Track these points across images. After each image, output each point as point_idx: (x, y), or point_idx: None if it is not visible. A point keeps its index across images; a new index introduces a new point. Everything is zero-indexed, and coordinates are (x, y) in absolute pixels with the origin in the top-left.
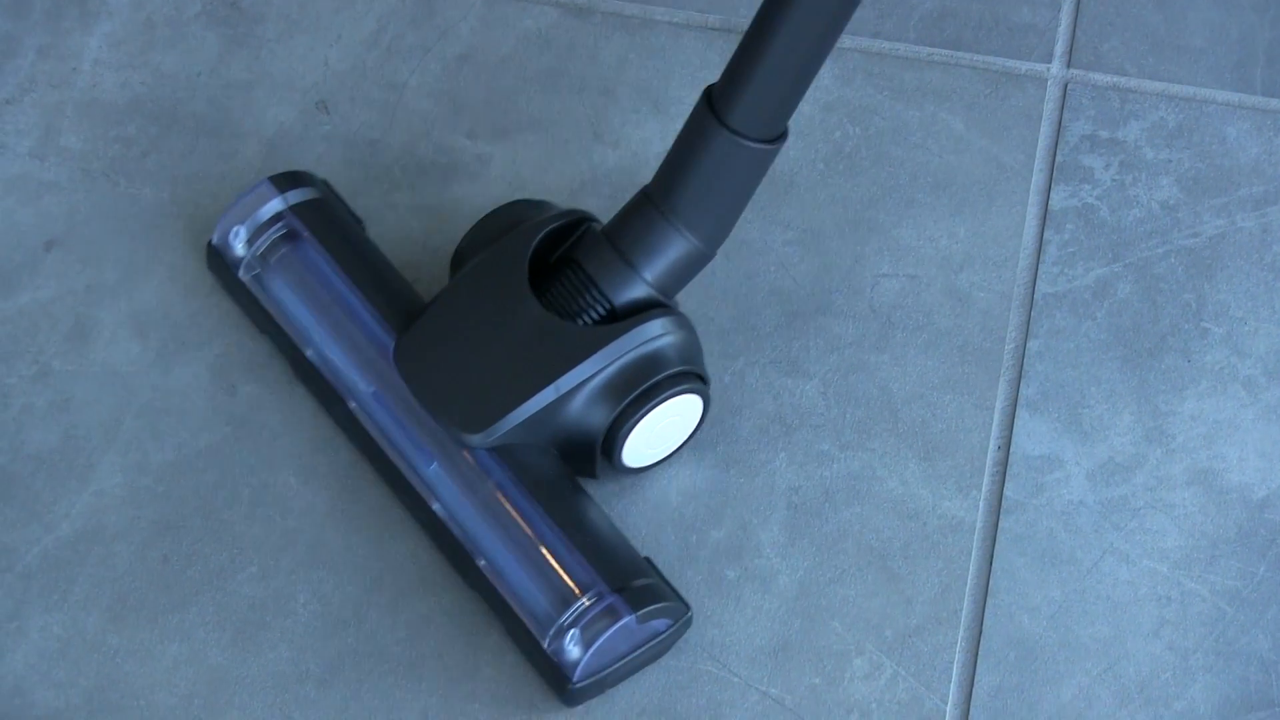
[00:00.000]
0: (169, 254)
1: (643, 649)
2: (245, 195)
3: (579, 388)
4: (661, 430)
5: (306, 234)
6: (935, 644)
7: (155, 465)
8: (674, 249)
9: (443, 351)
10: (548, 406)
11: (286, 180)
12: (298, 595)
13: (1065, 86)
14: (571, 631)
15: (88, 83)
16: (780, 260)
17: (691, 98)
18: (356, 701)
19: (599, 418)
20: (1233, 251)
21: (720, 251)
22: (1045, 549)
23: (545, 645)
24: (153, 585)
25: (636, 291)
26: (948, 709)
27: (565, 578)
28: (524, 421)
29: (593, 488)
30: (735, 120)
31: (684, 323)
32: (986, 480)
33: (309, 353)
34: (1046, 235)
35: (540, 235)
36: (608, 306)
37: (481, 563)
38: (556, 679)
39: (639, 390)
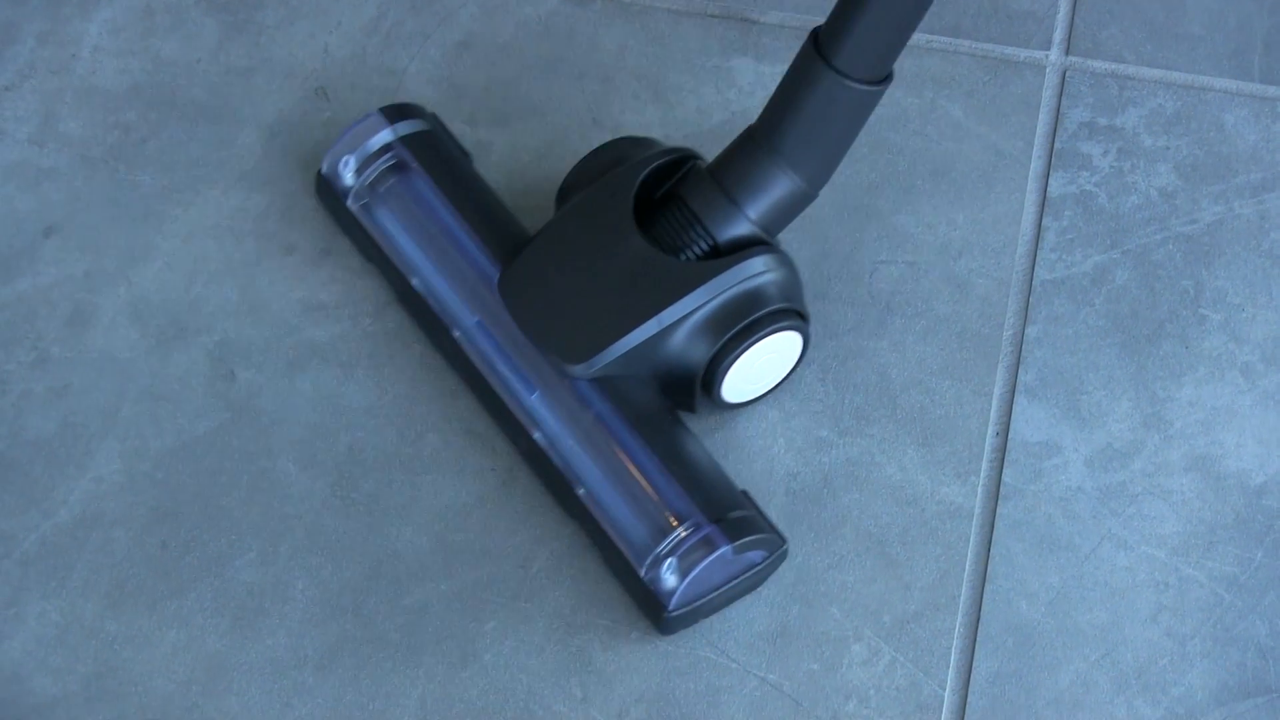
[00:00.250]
0: (168, 240)
1: (738, 580)
2: (355, 126)
3: (681, 322)
4: (761, 366)
5: (415, 165)
6: (933, 630)
7: (154, 452)
8: (778, 188)
9: (547, 283)
10: (650, 339)
11: (396, 112)
12: (296, 582)
13: (1064, 73)
14: (668, 560)
15: (87, 69)
16: None
17: (691, 85)
18: (354, 688)
19: (700, 352)
20: (1230, 238)
21: None
22: (1043, 535)
23: (642, 574)
24: (151, 571)
25: (739, 229)
26: (946, 695)
27: (663, 508)
28: (626, 354)
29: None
30: (841, 61)
31: (786, 260)
32: (985, 466)
33: (414, 282)
34: (1045, 222)
35: (646, 171)
36: (711, 243)
37: (580, 491)
38: (652, 607)
39: (740, 326)
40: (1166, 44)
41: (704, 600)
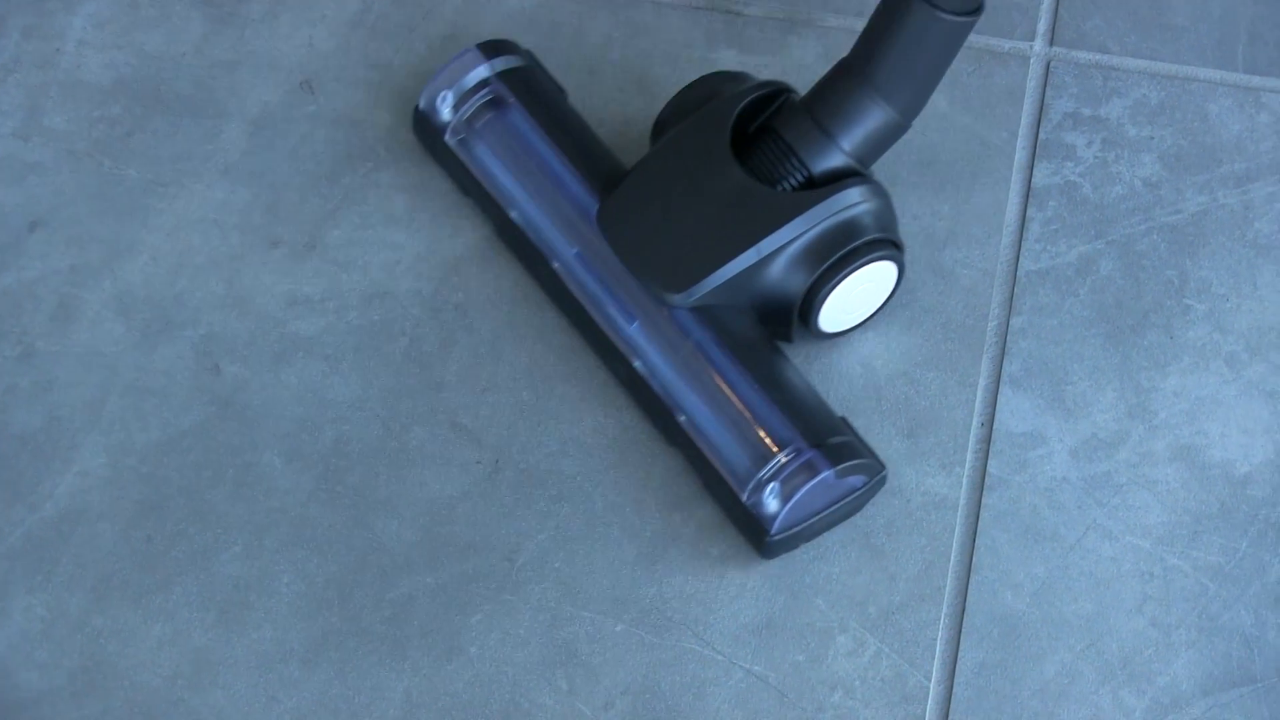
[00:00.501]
0: (153, 234)
1: (837, 505)
2: (452, 62)
3: (779, 251)
4: (857, 296)
5: (511, 100)
6: (919, 621)
7: (139, 446)
8: (871, 119)
9: (645, 214)
10: (748, 269)
11: (492, 48)
12: (281, 575)
13: (1048, 64)
14: (771, 485)
15: (72, 63)
16: None
17: (676, 76)
18: (340, 681)
19: (797, 282)
20: (1215, 228)
21: None
22: (1028, 525)
23: (744, 499)
24: (136, 565)
25: (834, 160)
26: (931, 685)
27: (764, 434)
28: (725, 283)
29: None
30: None
31: (880, 191)
32: (970, 457)
33: (513, 215)
34: (1029, 212)
35: (742, 104)
36: (806, 175)
37: (681, 419)
38: (754, 532)
39: (837, 256)
40: (1151, 34)
41: (805, 525)
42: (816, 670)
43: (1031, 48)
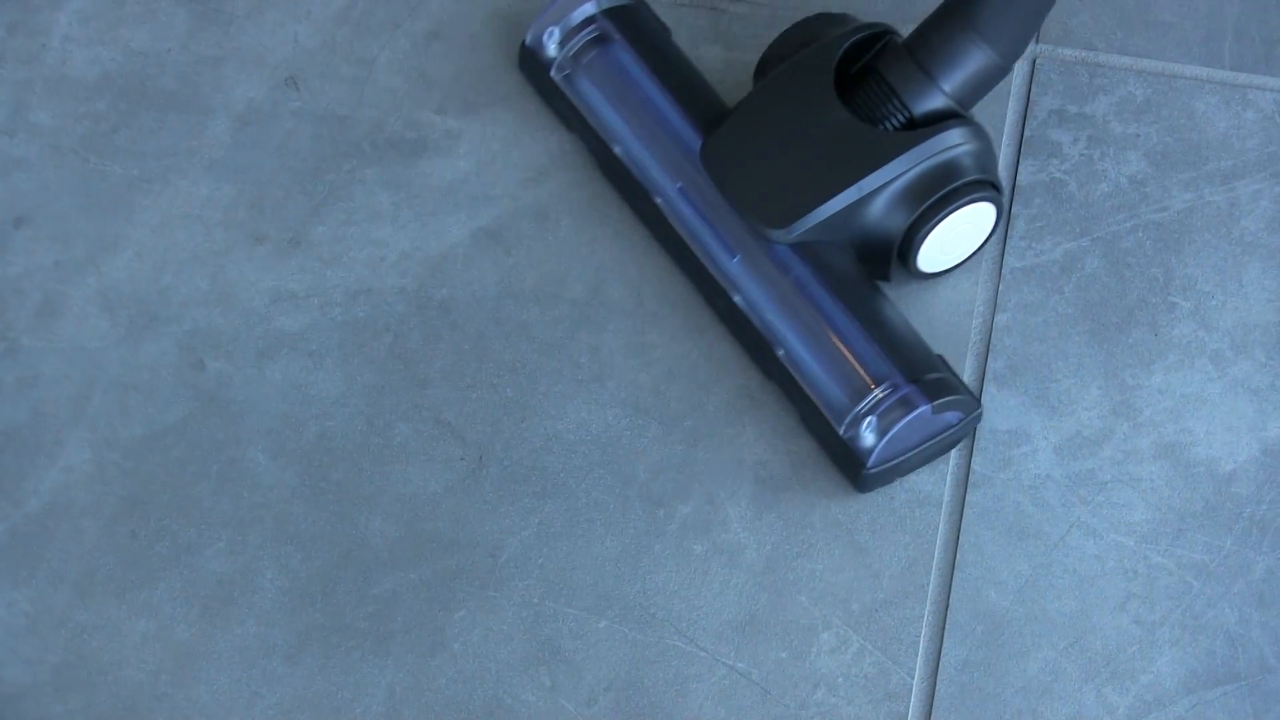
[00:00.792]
0: (138, 230)
1: (932, 441)
2: None
3: (880, 190)
4: (955, 237)
5: (617, 37)
6: (902, 618)
7: (123, 441)
8: (972, 61)
9: (748, 151)
10: (849, 207)
11: None
12: (265, 571)
13: (1033, 61)
14: (868, 419)
15: (57, 59)
16: None
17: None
18: (323, 676)
19: (897, 220)
20: (1200, 225)
21: None
22: (1012, 523)
23: (841, 432)
24: (120, 561)
25: (935, 102)
26: (914, 683)
27: (862, 368)
28: (826, 220)
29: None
30: None
31: (981, 133)
32: (954, 454)
33: (617, 150)
34: (1015, 209)
35: (845, 45)
36: (907, 116)
37: (780, 353)
38: (850, 465)
39: (937, 195)
40: (1137, 31)
41: (900, 459)
42: (799, 667)
43: None
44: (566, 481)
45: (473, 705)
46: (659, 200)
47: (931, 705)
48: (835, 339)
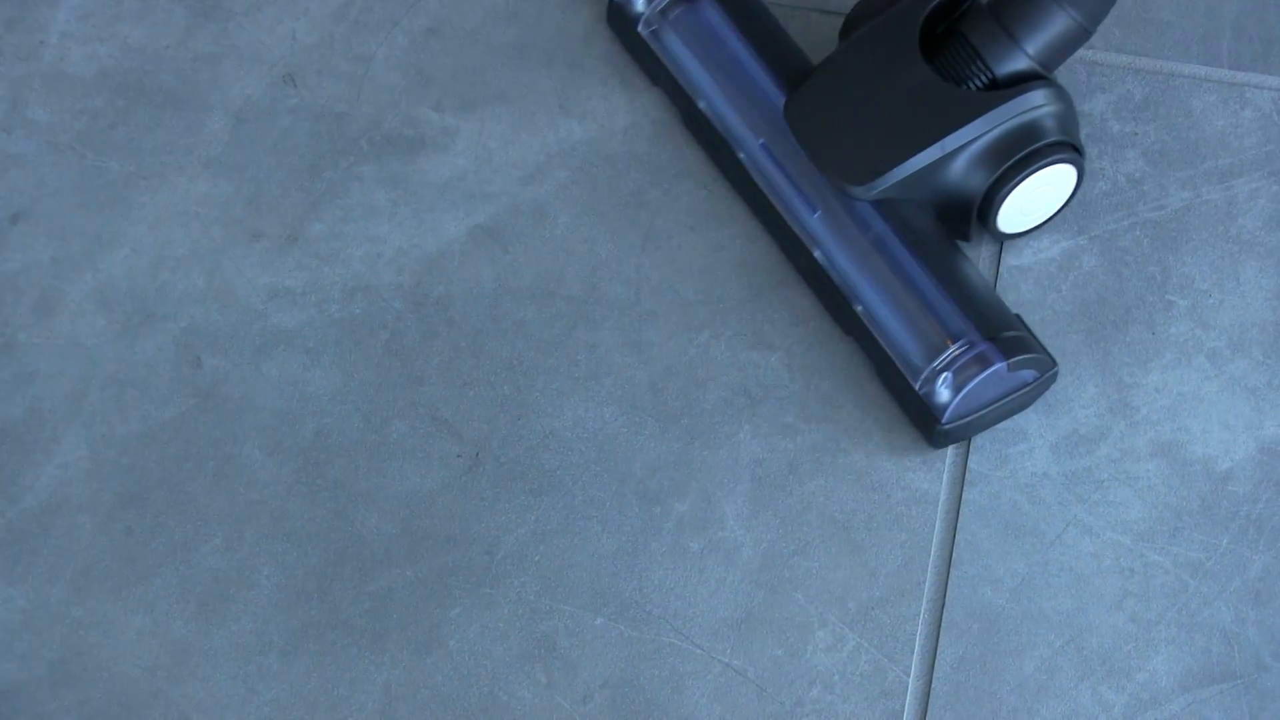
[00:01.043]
0: (135, 227)
1: (1008, 398)
2: None
3: (962, 149)
4: (1036, 198)
5: None
6: (898, 616)
7: (120, 438)
8: (1055, 24)
9: (832, 109)
10: (931, 165)
11: None
12: (261, 567)
13: None
14: (944, 375)
15: (55, 55)
16: (746, 233)
17: (644, 75)
18: (318, 673)
19: (978, 180)
20: (1198, 224)
21: (685, 224)
22: (1009, 521)
23: (917, 387)
24: (116, 557)
25: (1018, 64)
26: (910, 680)
27: (939, 325)
28: (907, 178)
29: None
30: None
31: (1064, 95)
32: (950, 452)
33: (701, 105)
34: None
35: (931, 5)
36: (990, 77)
37: (859, 308)
38: (926, 420)
39: (1019, 156)
40: (1135, 29)
41: (975, 416)
42: (795, 664)
43: None
44: (563, 479)
45: (468, 702)
46: (742, 156)
47: (927, 703)
48: (913, 296)
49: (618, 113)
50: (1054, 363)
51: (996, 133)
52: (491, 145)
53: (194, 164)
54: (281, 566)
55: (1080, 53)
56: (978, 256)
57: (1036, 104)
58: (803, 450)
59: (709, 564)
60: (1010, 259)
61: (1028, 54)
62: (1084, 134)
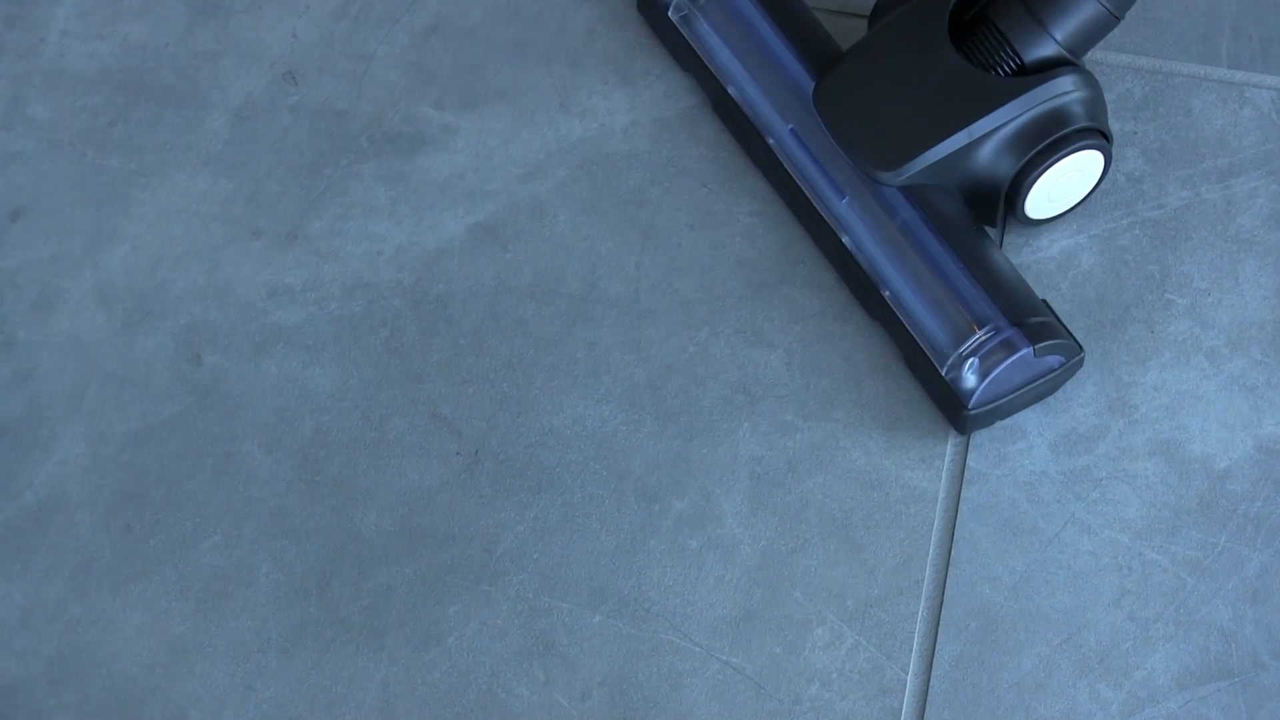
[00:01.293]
0: (135, 224)
1: (1035, 384)
2: None
3: (991, 134)
4: (1063, 184)
5: None
6: (897, 613)
7: (119, 435)
8: (1084, 10)
9: (861, 94)
10: (959, 150)
11: None
12: (260, 565)
13: None
14: (970, 360)
15: (55, 53)
16: (745, 231)
17: (658, 69)
18: (317, 671)
19: (1006, 165)
20: (1197, 223)
21: (685, 222)
22: (1007, 519)
23: (944, 373)
24: (115, 554)
25: (1046, 50)
26: (908, 678)
27: (966, 310)
28: (935, 163)
29: None
30: None
31: (1092, 82)
32: (949, 450)
33: (730, 90)
34: None
35: None
36: (1018, 63)
37: (886, 293)
38: (952, 406)
39: (1047, 142)
40: (1134, 28)
41: (1002, 401)
42: (794, 662)
43: None
44: (562, 476)
45: (466, 699)
46: (771, 141)
47: (925, 701)
48: (940, 281)
49: (618, 111)
50: (1080, 348)
51: (1025, 118)
52: (491, 143)
53: (194, 161)
54: (280, 564)
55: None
56: None
57: (1065, 90)
58: (802, 448)
59: (708, 561)
60: (1010, 257)
61: (1056, 40)
62: None
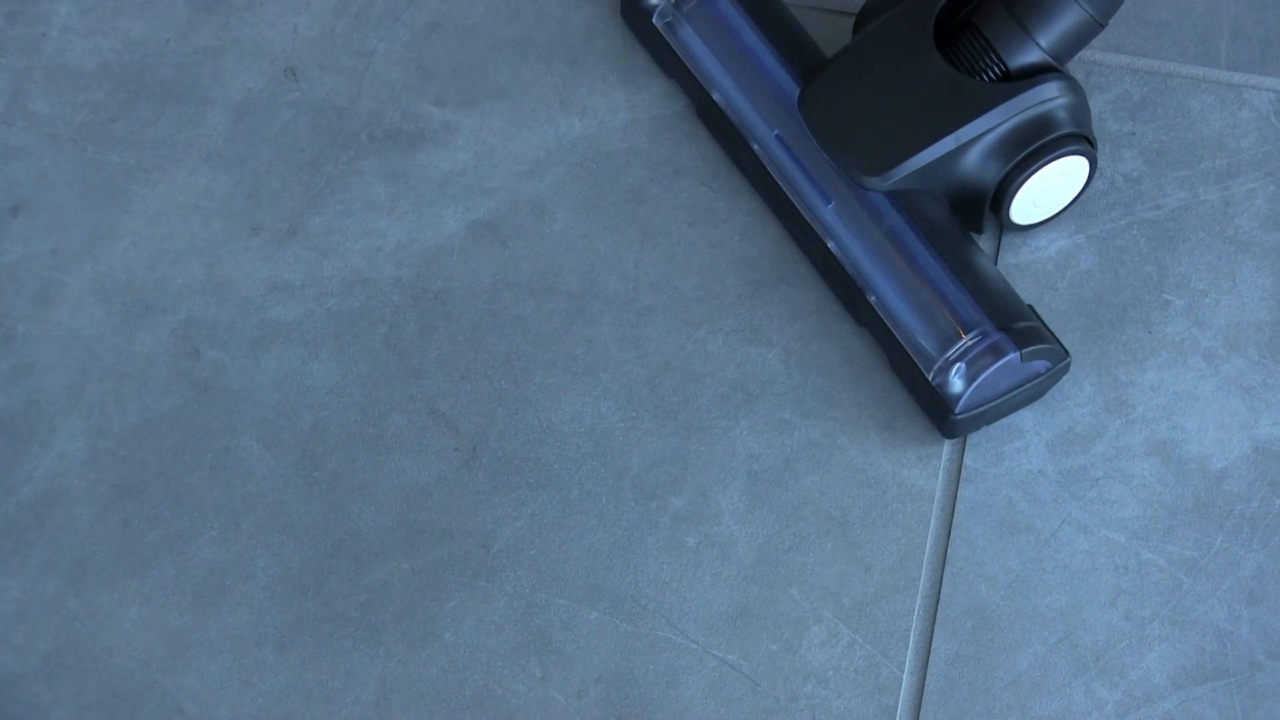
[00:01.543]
0: (135, 219)
1: (1021, 389)
2: None
3: (976, 140)
4: (1049, 189)
5: None
6: (893, 612)
7: (117, 429)
8: (1068, 17)
9: (846, 100)
10: (945, 156)
11: None
12: (257, 560)
13: None
14: (957, 365)
15: (56, 48)
16: (744, 229)
17: (657, 68)
18: (314, 666)
19: (992, 171)
20: (1195, 224)
21: (684, 220)
22: (1004, 518)
23: (930, 378)
24: (113, 549)
25: (1030, 56)
26: (904, 677)
27: (952, 315)
28: (921, 169)
29: None
30: None
31: (1076, 88)
32: (946, 449)
33: (715, 96)
34: None
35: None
36: (1003, 69)
37: (872, 299)
38: (939, 411)
39: (1032, 147)
40: (1133, 29)
41: (989, 406)
42: (790, 660)
43: None
44: (559, 473)
45: (463, 695)
46: (756, 147)
47: (921, 699)
48: (926, 286)
49: (617, 109)
50: (1067, 353)
51: (1010, 124)
52: (491, 140)
53: (194, 157)
54: (278, 559)
55: (1079, 52)
56: None
57: (1050, 96)
58: (799, 446)
59: (704, 559)
60: (1008, 257)
61: (1040, 46)
62: None
